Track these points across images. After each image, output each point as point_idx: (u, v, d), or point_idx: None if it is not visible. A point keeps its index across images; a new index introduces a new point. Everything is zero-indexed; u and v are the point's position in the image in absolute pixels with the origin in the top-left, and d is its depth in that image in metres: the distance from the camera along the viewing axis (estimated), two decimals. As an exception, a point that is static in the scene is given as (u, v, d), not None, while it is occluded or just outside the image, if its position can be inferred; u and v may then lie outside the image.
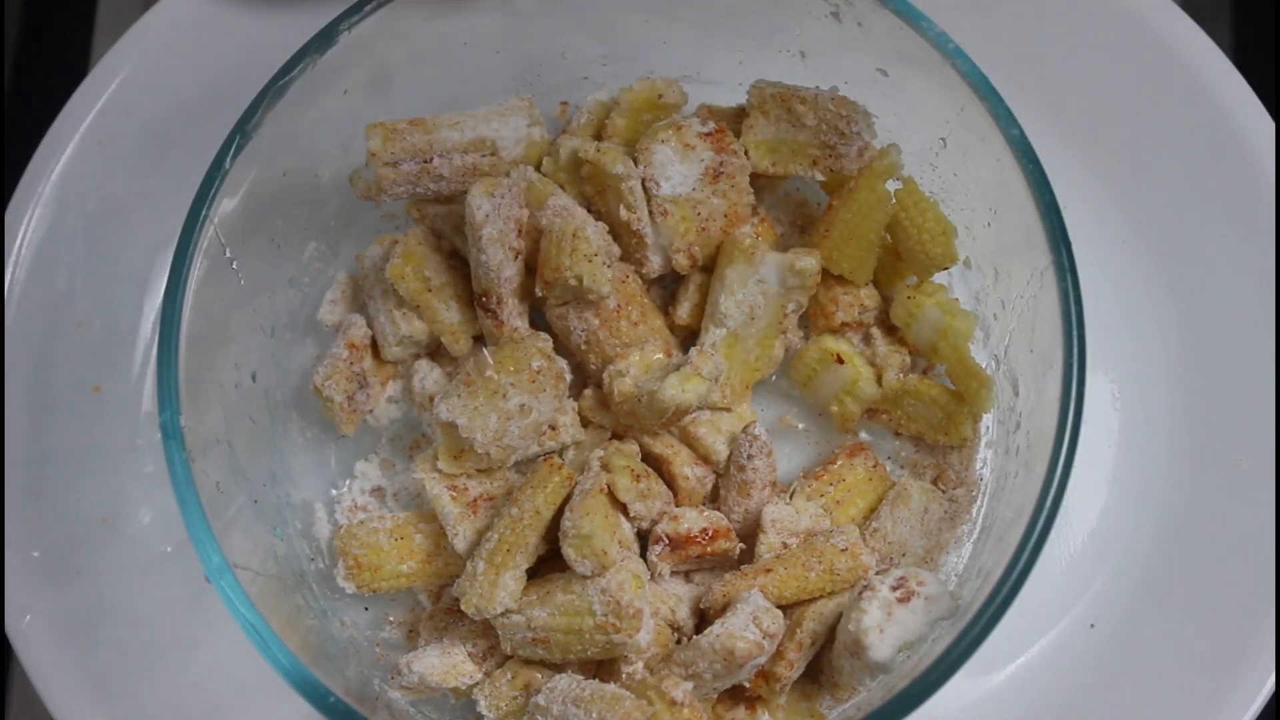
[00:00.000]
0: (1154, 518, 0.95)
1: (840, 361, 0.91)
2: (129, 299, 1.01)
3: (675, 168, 0.90)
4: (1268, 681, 0.89)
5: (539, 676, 0.84)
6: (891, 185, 0.89)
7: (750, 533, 0.89)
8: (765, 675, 0.83)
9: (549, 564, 0.86)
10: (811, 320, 0.95)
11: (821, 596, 0.85)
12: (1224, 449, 0.95)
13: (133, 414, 0.99)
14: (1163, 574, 0.93)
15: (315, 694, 0.74)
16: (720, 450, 0.91)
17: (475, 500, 0.88)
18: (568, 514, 0.82)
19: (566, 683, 0.81)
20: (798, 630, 0.83)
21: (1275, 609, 0.90)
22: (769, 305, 0.90)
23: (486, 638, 0.87)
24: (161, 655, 0.94)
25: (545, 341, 0.88)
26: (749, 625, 0.80)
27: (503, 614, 0.83)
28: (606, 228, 0.90)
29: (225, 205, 0.82)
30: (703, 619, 0.88)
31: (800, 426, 0.97)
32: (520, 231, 0.89)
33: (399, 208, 0.99)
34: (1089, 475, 0.95)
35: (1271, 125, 0.97)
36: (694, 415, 0.91)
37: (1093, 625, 0.93)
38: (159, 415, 0.77)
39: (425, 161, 0.91)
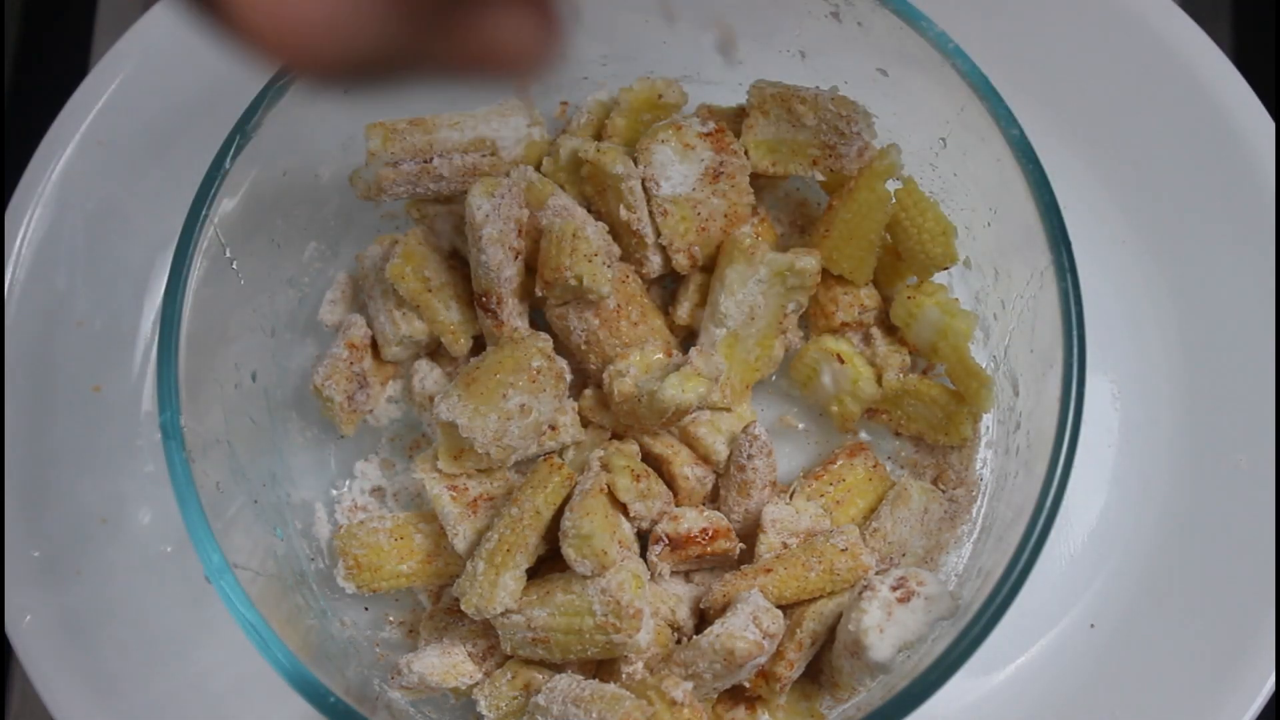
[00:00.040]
0: (1154, 518, 0.95)
1: (840, 361, 0.91)
2: (129, 299, 1.01)
3: (675, 168, 0.90)
4: (1268, 681, 0.89)
5: (539, 676, 0.84)
6: (891, 185, 0.89)
7: (750, 533, 0.89)
8: (765, 675, 0.83)
9: (549, 564, 0.86)
10: (811, 320, 0.95)
11: (821, 596, 0.85)
12: (1224, 449, 0.95)
13: (133, 414, 0.99)
14: (1163, 574, 0.93)
15: (315, 694, 0.74)
16: (720, 450, 0.91)
17: (475, 500, 0.88)
18: (568, 514, 0.82)
19: (566, 683, 0.81)
20: (798, 630, 0.83)
21: (1275, 609, 0.90)
22: (769, 305, 0.90)
23: (486, 638, 0.87)
24: (161, 655, 0.94)
25: (545, 341, 0.88)
26: (749, 625, 0.80)
27: (503, 614, 0.83)
28: (606, 228, 0.90)
29: (225, 205, 0.82)
30: (703, 619, 0.88)
31: (800, 426, 0.97)
32: (520, 231, 0.89)
33: (399, 208, 0.99)
34: (1089, 475, 0.95)
35: (1271, 125, 0.97)
36: (694, 415, 0.91)
37: (1093, 625, 0.93)
38: (159, 415, 0.77)
39: (425, 161, 0.91)
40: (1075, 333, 0.75)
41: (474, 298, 0.91)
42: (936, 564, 0.90)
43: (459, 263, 0.95)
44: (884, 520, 0.88)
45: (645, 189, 0.90)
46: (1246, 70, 0.98)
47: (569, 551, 0.81)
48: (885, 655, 0.77)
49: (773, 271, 0.89)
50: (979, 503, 0.91)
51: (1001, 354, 0.90)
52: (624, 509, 0.86)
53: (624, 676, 0.84)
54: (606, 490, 0.85)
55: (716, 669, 0.80)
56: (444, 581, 0.90)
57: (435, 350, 0.97)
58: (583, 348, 0.91)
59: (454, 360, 0.95)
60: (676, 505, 0.90)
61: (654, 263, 0.91)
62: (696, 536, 0.86)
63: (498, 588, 0.82)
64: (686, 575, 0.91)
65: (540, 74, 0.40)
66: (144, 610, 0.95)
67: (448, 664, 0.86)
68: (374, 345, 0.96)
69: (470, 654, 0.87)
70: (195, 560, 0.76)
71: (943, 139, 0.88)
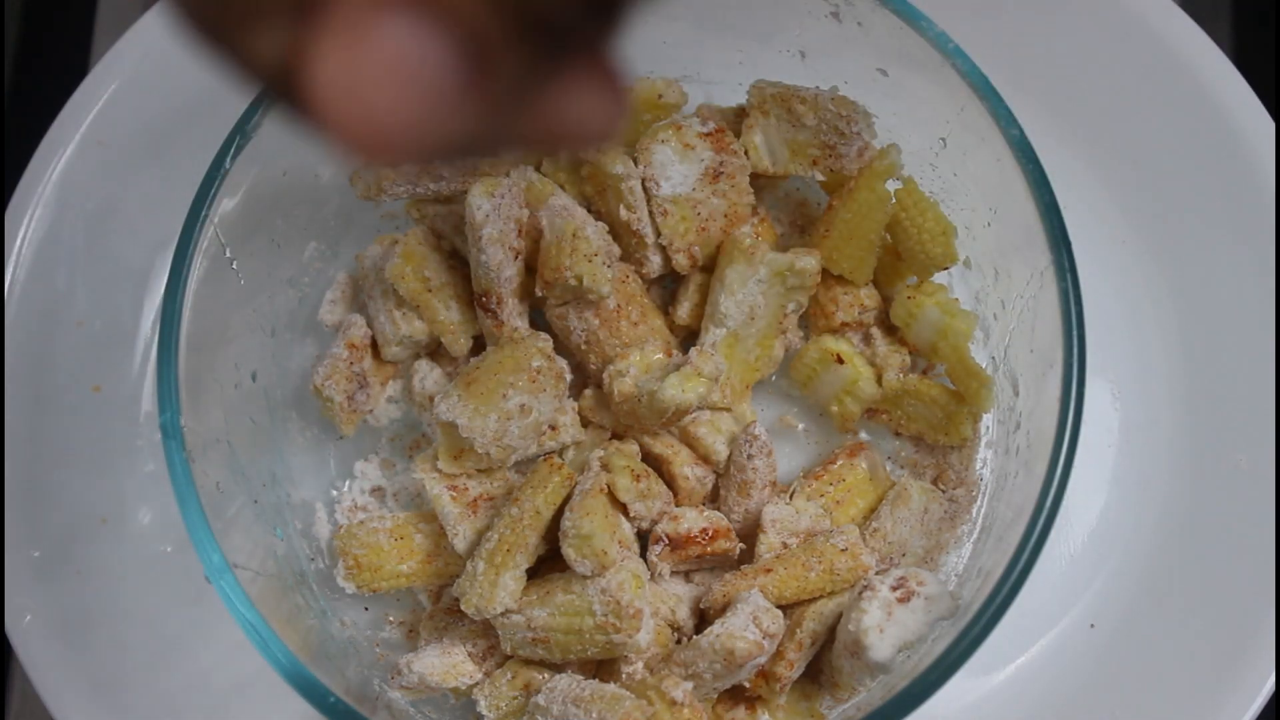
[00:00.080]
0: (1154, 518, 0.95)
1: (840, 361, 0.91)
2: (129, 299, 1.01)
3: (675, 168, 0.90)
4: (1268, 681, 0.89)
5: (539, 676, 0.84)
6: (891, 185, 0.89)
7: (750, 533, 0.89)
8: (765, 675, 0.83)
9: (549, 564, 0.86)
10: (811, 320, 0.95)
11: (821, 596, 0.85)
12: (1224, 449, 0.95)
13: (133, 414, 0.99)
14: (1163, 574, 0.93)
15: (315, 694, 0.74)
16: (720, 450, 0.91)
17: (475, 500, 0.88)
18: (568, 514, 0.82)
19: (566, 683, 0.81)
20: (798, 630, 0.83)
21: (1275, 609, 0.90)
22: (769, 305, 0.90)
23: (486, 638, 0.87)
24: (161, 655, 0.94)
25: (545, 341, 0.88)
26: (749, 625, 0.80)
27: (503, 614, 0.83)
28: (606, 228, 0.90)
29: (225, 205, 0.82)
30: (703, 619, 0.88)
31: (800, 426, 0.97)
32: (520, 231, 0.89)
33: (399, 208, 0.99)
34: (1089, 475, 0.95)
35: (1271, 125, 0.97)
36: (694, 415, 0.91)
37: (1093, 625, 0.93)
38: (159, 415, 0.77)
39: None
40: (1075, 333, 0.75)
41: (474, 298, 0.91)
42: (936, 564, 0.90)
43: (459, 263, 0.95)
44: (884, 520, 0.88)
45: (645, 189, 0.90)
46: (1246, 70, 0.98)
47: (569, 551, 0.81)
48: (885, 655, 0.77)
49: (773, 271, 0.89)
50: (979, 503, 0.91)
51: (1001, 354, 0.90)
52: (624, 509, 0.86)
53: (624, 676, 0.84)
54: (606, 490, 0.85)
55: (716, 669, 0.80)
56: (444, 581, 0.90)
57: (435, 350, 0.97)
58: (583, 348, 0.91)
59: (454, 360, 0.95)
60: (676, 505, 0.90)
61: (654, 263, 0.91)
62: (696, 536, 0.86)
63: (498, 588, 0.82)
64: (686, 575, 0.91)
65: (610, 146, 0.40)
66: (144, 610, 0.95)
67: (448, 664, 0.86)
68: (374, 345, 0.96)
69: (470, 654, 0.87)
70: (195, 560, 0.76)
71: (943, 139, 0.88)
